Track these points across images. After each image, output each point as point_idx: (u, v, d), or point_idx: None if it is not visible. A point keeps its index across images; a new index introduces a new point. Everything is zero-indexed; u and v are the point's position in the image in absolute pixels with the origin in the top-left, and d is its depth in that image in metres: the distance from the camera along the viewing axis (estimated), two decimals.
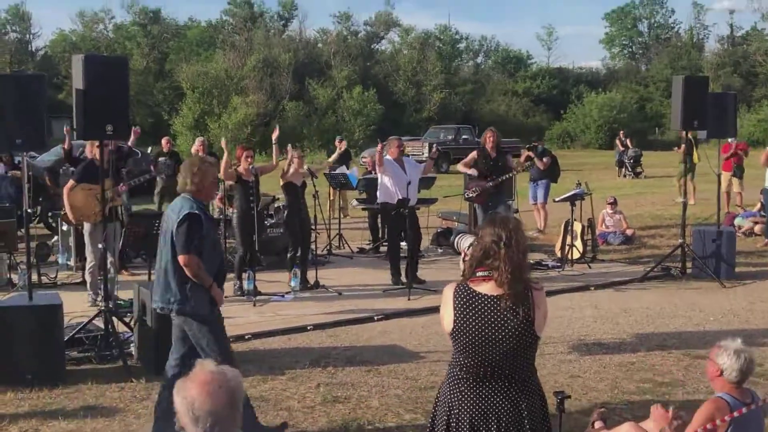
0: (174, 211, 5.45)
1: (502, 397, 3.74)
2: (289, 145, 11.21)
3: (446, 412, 3.84)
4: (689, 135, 20.56)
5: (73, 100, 7.05)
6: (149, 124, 47.85)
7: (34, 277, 10.39)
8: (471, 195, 11.69)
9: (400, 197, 10.31)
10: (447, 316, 3.77)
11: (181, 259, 5.32)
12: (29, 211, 7.87)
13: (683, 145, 18.94)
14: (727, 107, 11.37)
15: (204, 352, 5.37)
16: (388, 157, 10.72)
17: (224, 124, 43.52)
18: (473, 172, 11.56)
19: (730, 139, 14.01)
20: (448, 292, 3.79)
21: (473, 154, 11.87)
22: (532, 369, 3.85)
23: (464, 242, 4.35)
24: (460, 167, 12.01)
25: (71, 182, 9.35)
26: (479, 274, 3.74)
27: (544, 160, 14.59)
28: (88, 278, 9.48)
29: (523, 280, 3.70)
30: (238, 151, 10.07)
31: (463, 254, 4.26)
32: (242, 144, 10.85)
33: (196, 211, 5.37)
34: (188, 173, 5.45)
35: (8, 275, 10.58)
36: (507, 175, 11.65)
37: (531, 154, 14.72)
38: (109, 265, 9.33)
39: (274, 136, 10.49)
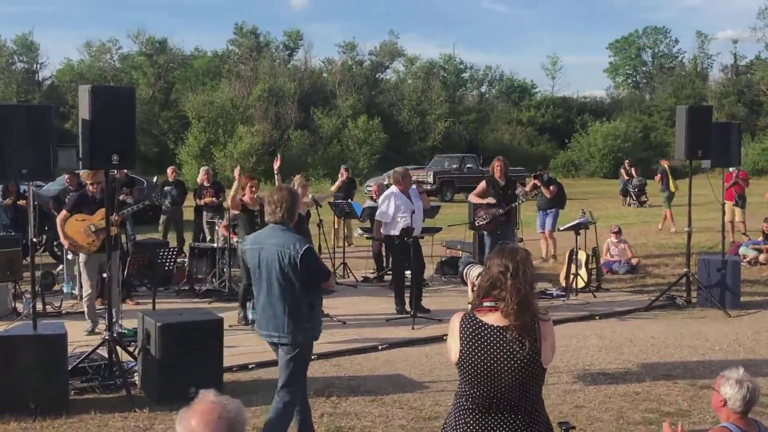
0: (281, 244, 5.50)
1: (507, 430, 3.71)
2: (299, 176, 11.25)
3: None
4: (665, 164, 21.63)
5: (78, 129, 7.09)
6: (155, 153, 48.14)
7: (39, 306, 10.45)
8: (481, 222, 11.70)
9: (405, 226, 10.32)
10: (454, 347, 3.78)
11: (327, 283, 5.75)
12: (34, 240, 7.89)
13: (659, 174, 19.82)
14: (731, 136, 11.42)
15: (291, 374, 5.65)
16: (394, 188, 10.76)
17: (230, 153, 43.66)
18: (490, 200, 11.57)
19: (731, 169, 14.04)
20: (455, 322, 3.79)
21: (482, 183, 11.89)
22: (539, 401, 3.83)
23: (473, 272, 4.37)
24: (472, 199, 11.99)
25: (63, 213, 9.44)
26: (486, 304, 3.74)
27: (551, 188, 14.62)
28: (85, 308, 9.50)
29: (529, 312, 3.68)
30: (244, 180, 10.12)
31: (470, 284, 4.27)
32: (247, 173, 10.88)
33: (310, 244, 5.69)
34: (280, 202, 5.59)
35: (13, 304, 10.59)
36: (515, 203, 11.70)
37: (537, 182, 14.74)
38: (87, 297, 9.39)
39: (276, 165, 10.51)
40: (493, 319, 3.71)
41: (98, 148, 7.03)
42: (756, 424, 4.35)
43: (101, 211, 9.31)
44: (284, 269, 5.45)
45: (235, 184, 10.08)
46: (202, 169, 16.01)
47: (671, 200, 20.24)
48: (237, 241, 10.51)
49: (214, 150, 44.42)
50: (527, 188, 15.12)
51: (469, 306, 3.90)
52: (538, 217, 15.33)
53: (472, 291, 4.13)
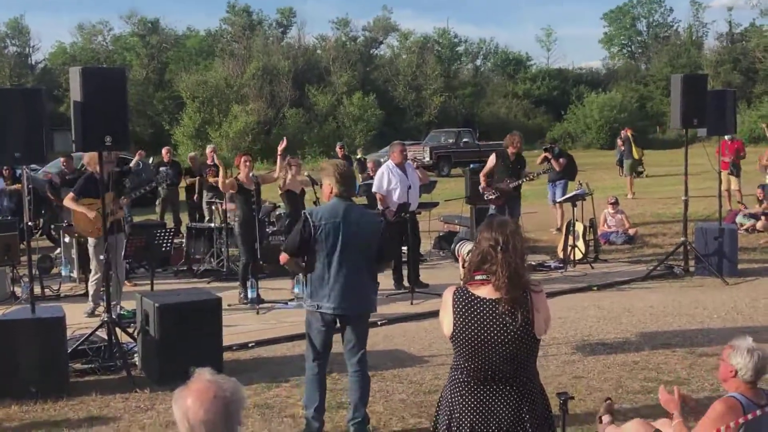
0: (358, 215, 5.66)
1: (503, 402, 3.74)
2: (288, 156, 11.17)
3: (447, 415, 3.85)
4: (629, 132, 22.23)
5: (71, 112, 7.05)
6: (150, 134, 47.97)
7: (37, 290, 10.45)
8: (491, 197, 11.68)
9: (401, 201, 10.30)
10: (447, 320, 3.80)
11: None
12: (30, 224, 7.87)
13: (621, 141, 20.55)
14: (727, 104, 11.38)
15: (364, 346, 5.89)
16: (390, 162, 10.73)
17: (225, 132, 43.56)
18: (491, 195, 11.54)
19: (726, 137, 14.02)
20: (448, 296, 3.81)
21: (492, 158, 11.82)
22: (534, 372, 3.86)
23: (464, 248, 4.42)
24: (482, 179, 11.86)
25: (71, 195, 9.35)
26: (477, 277, 3.76)
27: (561, 160, 14.74)
28: (90, 288, 9.49)
29: (521, 285, 3.70)
30: (237, 159, 10.08)
31: (461, 260, 4.31)
32: (241, 152, 10.84)
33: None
34: (349, 177, 5.76)
35: (11, 288, 10.59)
36: (526, 179, 11.67)
37: (548, 155, 14.87)
38: (94, 278, 9.39)
39: (281, 147, 10.35)
40: (485, 292, 3.72)
41: (91, 130, 6.99)
42: (764, 394, 4.30)
43: (108, 195, 9.28)
44: (368, 242, 5.63)
45: (222, 170, 10.05)
46: (209, 147, 16.01)
47: (634, 168, 21.54)
48: (234, 220, 10.44)
49: (210, 130, 44.29)
50: (538, 161, 15.26)
51: (461, 281, 3.90)
52: (549, 189, 15.44)
53: (463, 267, 4.16)
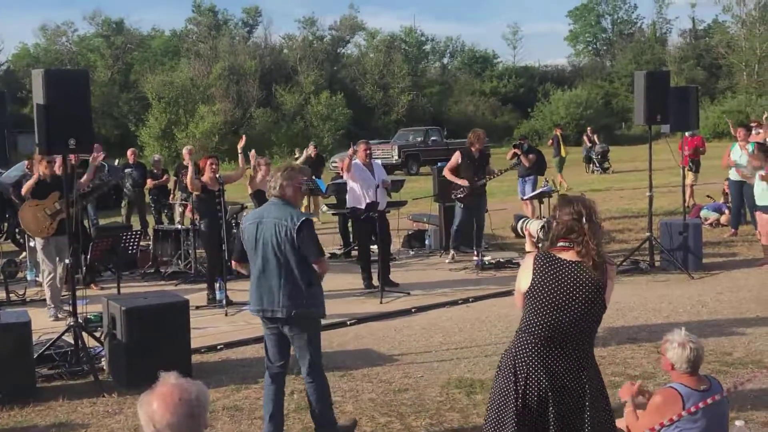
0: (281, 218, 5.43)
1: (566, 367, 3.98)
2: (252, 151, 11.19)
3: (512, 380, 4.02)
4: (557, 132, 23.85)
5: (34, 115, 6.98)
6: (116, 135, 47.56)
7: (2, 294, 10.34)
8: (460, 195, 11.75)
9: (369, 201, 10.31)
10: (525, 278, 4.04)
11: (318, 263, 5.48)
12: None
13: (551, 140, 21.43)
14: (689, 101, 11.52)
15: (308, 354, 5.54)
16: (356, 161, 10.73)
17: (191, 133, 43.28)
18: (464, 183, 11.60)
19: (687, 133, 14.18)
20: (529, 259, 4.08)
21: (456, 155, 11.90)
22: (593, 342, 4.12)
23: (532, 225, 4.61)
24: (447, 174, 11.96)
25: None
26: (560, 245, 4.03)
27: (530, 156, 14.92)
28: (47, 292, 9.43)
29: (602, 253, 3.99)
30: (202, 161, 10.04)
31: (529, 236, 4.54)
32: (207, 154, 10.83)
33: (309, 217, 5.63)
34: (281, 179, 5.54)
35: None
36: (493, 176, 11.82)
37: (517, 151, 15.03)
38: (57, 279, 9.33)
39: (240, 144, 10.50)
40: (568, 255, 4.00)
41: (54, 133, 6.92)
42: (707, 380, 4.52)
43: (54, 195, 9.25)
44: (280, 242, 5.38)
45: (191, 167, 10.01)
46: (185, 148, 15.89)
47: (562, 165, 22.95)
48: (199, 222, 10.39)
49: (176, 131, 44.01)
50: (507, 156, 15.41)
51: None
52: (519, 185, 15.58)
53: (531, 241, 4.47)
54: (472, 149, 11.81)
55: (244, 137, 10.72)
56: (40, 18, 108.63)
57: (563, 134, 24.50)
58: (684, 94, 11.60)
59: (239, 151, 10.51)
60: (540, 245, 4.39)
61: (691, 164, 16.31)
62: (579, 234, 3.97)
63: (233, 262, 5.86)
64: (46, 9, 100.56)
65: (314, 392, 5.60)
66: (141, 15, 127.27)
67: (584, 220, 3.98)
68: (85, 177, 10.11)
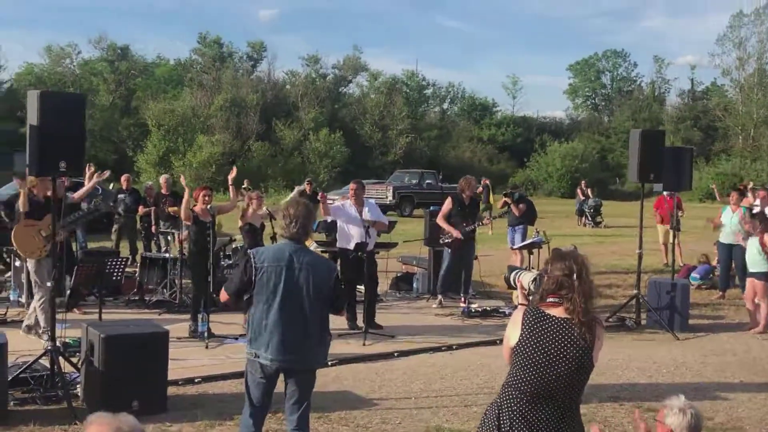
0: (316, 266, 5.23)
1: (550, 423, 3.96)
2: (245, 181, 11.22)
3: (496, 427, 4.00)
4: (486, 182, 25.11)
5: (27, 135, 6.97)
6: (113, 160, 47.55)
7: None
8: (447, 240, 11.76)
9: (358, 241, 10.28)
10: (513, 333, 4.03)
11: (342, 312, 5.50)
12: None
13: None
14: (684, 161, 11.58)
15: (305, 403, 5.42)
16: (346, 202, 10.72)
17: (189, 162, 43.37)
18: (457, 234, 11.61)
19: (665, 193, 14.17)
20: (518, 314, 4.06)
21: (448, 202, 11.94)
22: (578, 399, 4.09)
23: (524, 277, 4.58)
24: (440, 222, 11.96)
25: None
26: (549, 300, 4.01)
27: (521, 206, 14.90)
28: (40, 315, 9.31)
29: (591, 311, 3.99)
30: (195, 192, 10.03)
31: (520, 288, 4.52)
32: (202, 185, 10.85)
33: None
34: (296, 217, 5.25)
35: None
36: (478, 224, 11.83)
37: (508, 200, 15.04)
38: (40, 302, 9.24)
39: (231, 176, 10.52)
40: (557, 312, 3.98)
41: (46, 155, 6.90)
42: None
43: (49, 217, 9.20)
44: (318, 289, 5.18)
45: (186, 194, 9.99)
46: (162, 177, 15.88)
47: (490, 213, 22.84)
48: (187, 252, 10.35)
49: (173, 158, 44.09)
50: (498, 205, 15.43)
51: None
52: (508, 233, 15.53)
53: (522, 293, 4.48)
54: (463, 195, 11.85)
55: (234, 169, 10.75)
56: (46, 38, 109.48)
57: (491, 185, 27.02)
58: (679, 154, 11.68)
59: (230, 182, 10.52)
60: (531, 298, 4.38)
61: (673, 223, 16.33)
62: (569, 290, 3.96)
63: (221, 295, 5.59)
64: (52, 29, 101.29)
65: None
66: (146, 43, 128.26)
67: (575, 276, 3.97)
68: (80, 192, 10.09)
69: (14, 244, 9.46)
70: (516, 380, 4.00)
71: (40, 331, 9.27)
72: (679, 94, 66.18)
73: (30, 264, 9.46)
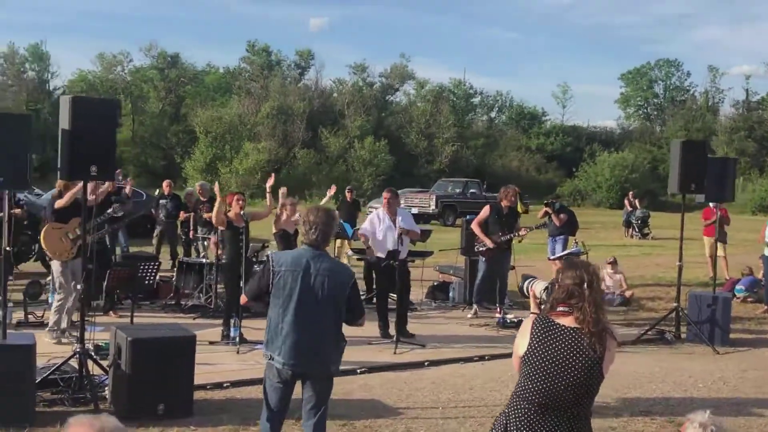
0: (334, 272, 5.26)
1: (554, 428, 3.89)
2: (284, 188, 11.25)
3: None
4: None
5: (59, 139, 7.06)
6: (161, 166, 48.34)
7: (22, 315, 10.41)
8: (481, 248, 11.68)
9: (390, 249, 10.23)
10: (522, 343, 4.00)
11: (362, 321, 5.48)
12: (7, 249, 7.85)
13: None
14: (726, 171, 11.32)
15: (323, 408, 5.39)
16: (379, 210, 10.69)
17: (235, 169, 43.78)
18: (490, 243, 11.54)
19: (711, 204, 13.88)
20: (527, 323, 4.03)
21: (486, 209, 11.88)
22: (588, 410, 4.02)
23: (537, 286, 4.59)
24: (475, 228, 11.93)
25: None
26: (560, 309, 3.98)
27: (561, 216, 14.86)
28: (53, 316, 9.52)
29: (602, 321, 3.93)
30: (229, 197, 10.09)
31: (533, 296, 4.53)
32: (234, 191, 10.93)
33: None
34: (316, 224, 5.27)
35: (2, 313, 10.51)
36: (514, 234, 11.67)
37: (549, 210, 14.99)
38: (71, 302, 9.39)
39: (269, 183, 10.53)
40: (567, 321, 3.95)
41: (77, 159, 6.99)
42: None
43: (75, 220, 9.36)
44: (332, 297, 5.19)
45: (218, 201, 10.05)
46: (198, 184, 16.04)
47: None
48: (222, 257, 10.41)
49: (220, 165, 44.53)
50: (539, 215, 15.31)
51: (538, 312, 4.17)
52: (549, 244, 15.42)
53: (535, 302, 4.41)
54: (502, 204, 11.74)
55: (272, 176, 10.81)
56: (98, 46, 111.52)
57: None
58: (722, 164, 11.42)
59: (268, 190, 10.55)
60: (542, 306, 4.35)
61: (719, 235, 15.98)
62: (579, 299, 3.92)
63: (241, 298, 5.67)
64: (104, 37, 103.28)
65: None
66: (196, 51, 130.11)
67: (585, 285, 3.93)
68: (96, 194, 10.29)
69: (43, 245, 9.63)
70: (524, 390, 3.95)
71: (47, 330, 9.44)
72: (734, 104, 64.93)
73: (55, 265, 9.63)
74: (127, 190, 13.54)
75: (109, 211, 10.72)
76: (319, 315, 5.21)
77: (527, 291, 4.51)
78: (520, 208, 16.39)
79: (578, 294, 3.93)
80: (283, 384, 5.33)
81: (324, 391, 5.39)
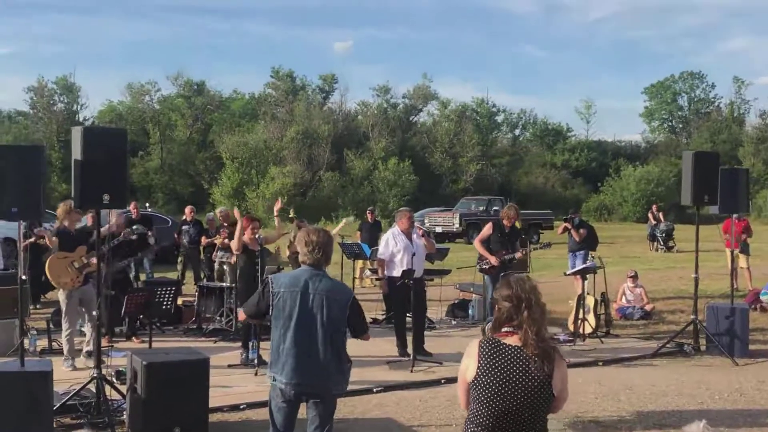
0: (332, 291, 5.30)
1: None
2: (291, 209, 11.46)
3: None
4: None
5: (72, 169, 7.26)
6: (189, 193, 48.81)
7: (45, 343, 10.60)
8: (484, 267, 11.76)
9: (405, 268, 10.31)
10: (471, 366, 3.90)
11: (367, 337, 5.50)
12: (24, 277, 8.05)
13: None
14: (739, 183, 11.30)
15: (327, 426, 5.38)
16: (396, 228, 10.79)
17: (261, 193, 44.15)
18: (494, 261, 11.64)
19: (734, 216, 13.81)
20: (474, 345, 3.94)
21: (488, 226, 11.99)
22: (545, 429, 3.93)
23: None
24: (476, 244, 12.07)
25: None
26: (504, 329, 3.91)
27: (581, 231, 14.90)
28: (65, 345, 9.70)
29: (546, 339, 3.86)
30: (245, 222, 10.24)
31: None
32: (247, 215, 11.07)
33: None
34: (317, 244, 5.34)
35: (20, 340, 10.72)
36: (513, 255, 11.76)
37: (568, 225, 15.06)
38: (87, 330, 9.57)
39: (277, 207, 10.69)
40: (513, 340, 3.87)
41: (89, 188, 7.17)
42: None
43: (81, 249, 9.56)
44: (331, 318, 5.23)
45: (239, 227, 10.21)
46: (218, 210, 16.26)
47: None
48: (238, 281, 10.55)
49: (247, 190, 44.94)
50: (558, 231, 15.35)
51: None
52: (569, 259, 15.45)
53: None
54: (504, 222, 11.83)
55: (279, 200, 11.01)
56: (127, 76, 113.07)
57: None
58: (734, 176, 11.40)
59: (275, 214, 10.71)
60: (486, 327, 4.30)
61: (742, 246, 15.88)
62: (518, 320, 3.85)
63: (239, 314, 5.69)
64: (130, 67, 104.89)
65: None
66: (222, 78, 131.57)
67: (523, 306, 3.85)
68: (112, 222, 10.51)
69: (48, 275, 9.78)
70: (476, 415, 3.87)
71: (66, 360, 9.60)
72: (760, 115, 64.32)
73: (61, 295, 9.79)
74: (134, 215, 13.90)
75: (120, 237, 10.93)
76: (317, 335, 5.25)
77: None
78: (518, 224, 16.50)
79: (516, 315, 3.85)
80: (287, 404, 5.38)
81: (327, 410, 5.42)
